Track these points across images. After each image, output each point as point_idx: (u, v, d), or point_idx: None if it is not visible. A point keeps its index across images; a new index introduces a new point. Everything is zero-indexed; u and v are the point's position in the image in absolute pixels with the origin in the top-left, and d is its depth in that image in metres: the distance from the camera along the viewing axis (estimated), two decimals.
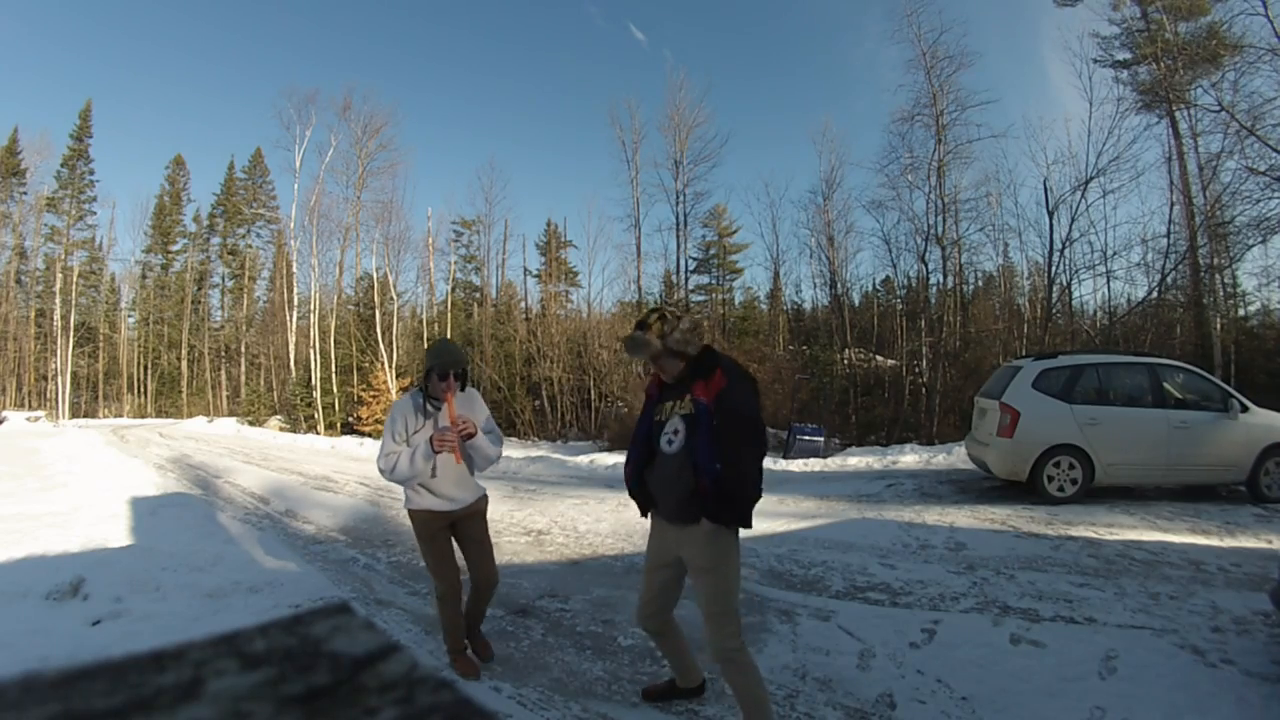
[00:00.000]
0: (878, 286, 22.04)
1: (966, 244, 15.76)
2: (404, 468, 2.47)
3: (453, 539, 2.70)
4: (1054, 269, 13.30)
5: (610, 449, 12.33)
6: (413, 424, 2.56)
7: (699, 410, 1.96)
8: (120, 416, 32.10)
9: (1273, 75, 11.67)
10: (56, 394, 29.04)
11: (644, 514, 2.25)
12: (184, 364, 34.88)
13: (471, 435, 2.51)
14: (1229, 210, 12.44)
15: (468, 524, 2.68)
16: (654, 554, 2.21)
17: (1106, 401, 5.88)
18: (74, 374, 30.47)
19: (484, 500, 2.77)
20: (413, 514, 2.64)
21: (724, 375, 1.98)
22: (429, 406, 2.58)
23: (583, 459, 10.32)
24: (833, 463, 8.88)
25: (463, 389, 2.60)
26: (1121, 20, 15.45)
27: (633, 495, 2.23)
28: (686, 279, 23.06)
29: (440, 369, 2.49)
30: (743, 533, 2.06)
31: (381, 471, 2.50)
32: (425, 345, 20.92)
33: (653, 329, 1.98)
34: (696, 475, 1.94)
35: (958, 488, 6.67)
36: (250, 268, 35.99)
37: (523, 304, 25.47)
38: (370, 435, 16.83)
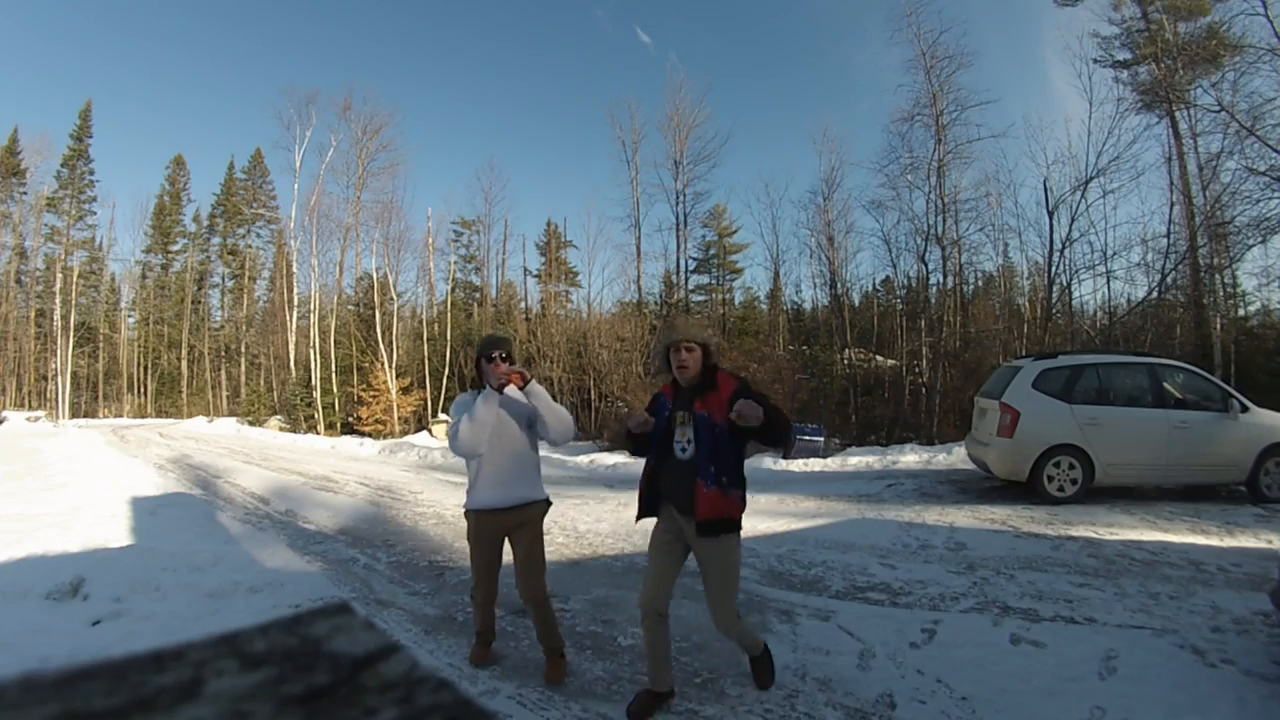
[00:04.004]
0: (878, 286, 22.11)
1: (966, 244, 15.80)
2: (465, 426, 2.43)
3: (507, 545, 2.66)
4: (1054, 269, 13.32)
5: (610, 449, 12.32)
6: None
7: (699, 422, 2.22)
8: (120, 416, 32.10)
9: (1273, 75, 11.69)
10: (56, 394, 29.04)
11: (641, 517, 2.43)
12: (184, 364, 34.88)
13: (525, 379, 2.51)
14: (1229, 210, 12.44)
15: (522, 531, 2.61)
16: (660, 540, 2.38)
17: (1106, 401, 5.88)
18: (74, 374, 30.48)
19: (541, 506, 2.67)
20: (468, 515, 2.62)
21: (729, 379, 2.27)
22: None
23: (583, 459, 10.32)
24: (833, 463, 8.88)
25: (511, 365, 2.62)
26: (1121, 20, 15.45)
27: (643, 498, 2.41)
28: (686, 279, 23.09)
29: (486, 353, 2.58)
30: (743, 533, 2.33)
31: (451, 443, 2.48)
32: (425, 345, 20.94)
33: (692, 320, 2.39)
34: (698, 481, 2.18)
35: (958, 488, 6.67)
36: (250, 268, 36.00)
37: (523, 304, 25.54)
38: (370, 435, 16.82)
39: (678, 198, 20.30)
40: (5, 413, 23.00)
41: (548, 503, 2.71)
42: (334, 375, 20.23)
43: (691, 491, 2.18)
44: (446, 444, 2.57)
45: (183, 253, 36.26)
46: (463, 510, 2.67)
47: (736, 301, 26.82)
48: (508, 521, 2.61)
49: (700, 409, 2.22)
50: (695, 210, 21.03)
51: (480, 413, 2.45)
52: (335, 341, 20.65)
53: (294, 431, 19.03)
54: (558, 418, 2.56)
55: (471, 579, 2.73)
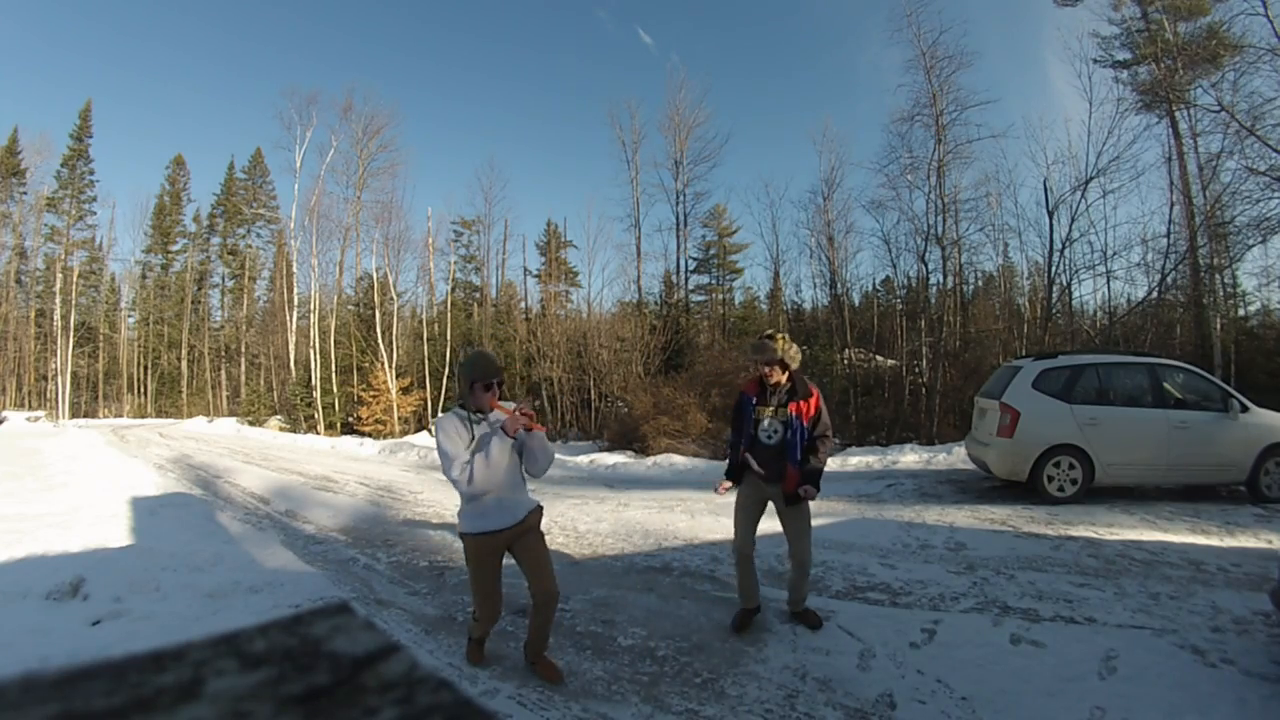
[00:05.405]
0: (878, 286, 22.04)
1: (966, 244, 15.78)
2: (481, 469, 2.38)
3: (509, 556, 2.63)
4: (1054, 269, 13.30)
5: (610, 449, 12.31)
6: (464, 435, 2.48)
7: (794, 421, 2.94)
8: (120, 416, 32.10)
9: (1273, 75, 11.67)
10: (56, 394, 29.02)
11: (735, 485, 3.18)
12: (184, 364, 34.87)
13: (532, 421, 2.48)
14: (1229, 210, 12.43)
15: (524, 540, 2.60)
16: (747, 498, 3.14)
17: (1106, 401, 5.88)
18: (74, 374, 30.46)
19: (538, 513, 2.69)
20: (466, 538, 2.56)
21: (815, 394, 3.01)
22: (473, 417, 2.52)
23: (583, 459, 10.32)
24: (832, 463, 8.86)
25: (500, 398, 2.57)
26: (1121, 20, 15.43)
27: (734, 469, 3.17)
28: (686, 279, 23.10)
29: (483, 380, 2.50)
30: None
31: (457, 483, 2.39)
32: (425, 345, 20.92)
33: (777, 341, 2.94)
34: (787, 463, 2.95)
35: (958, 488, 6.67)
36: (250, 268, 35.98)
37: (523, 304, 25.49)
38: (370, 435, 16.81)
39: (678, 198, 20.30)
40: (5, 413, 22.99)
41: (540, 507, 2.72)
42: (334, 375, 20.21)
43: (783, 469, 2.95)
44: (446, 477, 2.47)
45: (183, 253, 36.23)
46: (459, 533, 2.59)
47: (736, 301, 26.87)
48: (512, 535, 2.58)
49: (794, 410, 2.94)
50: (695, 210, 21.03)
51: (495, 455, 2.42)
52: (335, 341, 20.63)
53: (294, 431, 19.02)
54: (549, 457, 2.62)
55: (476, 594, 2.66)
